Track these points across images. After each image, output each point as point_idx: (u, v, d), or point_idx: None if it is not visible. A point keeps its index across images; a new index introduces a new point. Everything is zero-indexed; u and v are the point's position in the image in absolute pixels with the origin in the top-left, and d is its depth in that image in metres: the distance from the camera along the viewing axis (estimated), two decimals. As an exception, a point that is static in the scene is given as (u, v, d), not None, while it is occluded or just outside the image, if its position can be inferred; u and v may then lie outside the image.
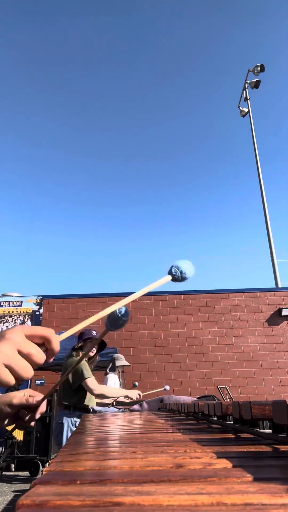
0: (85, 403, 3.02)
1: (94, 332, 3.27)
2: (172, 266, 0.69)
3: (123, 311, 0.71)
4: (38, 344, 0.54)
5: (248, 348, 7.73)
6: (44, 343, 0.55)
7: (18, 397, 0.77)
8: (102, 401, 3.24)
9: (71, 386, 2.97)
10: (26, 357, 0.51)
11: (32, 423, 0.78)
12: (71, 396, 2.99)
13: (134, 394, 3.36)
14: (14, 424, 0.78)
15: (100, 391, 2.95)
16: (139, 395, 3.40)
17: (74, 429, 2.54)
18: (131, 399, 3.35)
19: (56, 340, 0.57)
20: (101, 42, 26.26)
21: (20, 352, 0.51)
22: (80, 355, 3.04)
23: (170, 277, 0.70)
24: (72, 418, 2.98)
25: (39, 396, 0.78)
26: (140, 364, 7.51)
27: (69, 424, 2.97)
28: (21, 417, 0.77)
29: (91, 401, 3.08)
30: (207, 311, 8.05)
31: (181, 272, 0.69)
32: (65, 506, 0.28)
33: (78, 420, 2.83)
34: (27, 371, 0.50)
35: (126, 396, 3.34)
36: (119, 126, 26.93)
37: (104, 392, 3.02)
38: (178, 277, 0.69)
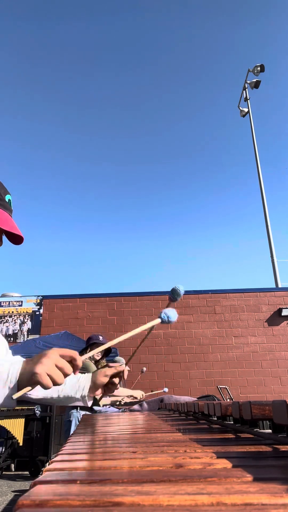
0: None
1: (100, 337, 3.46)
2: (161, 312, 0.94)
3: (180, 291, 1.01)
4: (68, 361, 0.78)
5: (248, 348, 7.73)
6: (71, 360, 0.79)
7: (109, 369, 1.11)
8: (113, 399, 3.43)
9: None
10: (60, 369, 0.75)
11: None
12: None
13: (138, 394, 3.55)
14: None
15: None
16: (143, 395, 3.59)
17: None
18: (136, 398, 3.53)
19: (80, 359, 0.81)
20: (100, 42, 26.27)
21: (56, 366, 0.74)
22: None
23: (159, 320, 0.94)
24: (79, 416, 3.11)
25: (120, 366, 1.13)
26: (140, 364, 7.50)
27: (77, 421, 3.09)
28: (112, 383, 1.12)
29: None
30: (207, 311, 8.05)
31: (168, 317, 0.94)
32: (65, 506, 0.28)
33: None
34: (61, 379, 0.75)
35: (130, 396, 3.49)
36: (119, 127, 26.94)
37: None
38: (165, 321, 0.94)
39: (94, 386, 1.08)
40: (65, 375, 0.75)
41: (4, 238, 1.03)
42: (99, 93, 25.95)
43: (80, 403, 1.09)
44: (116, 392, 3.42)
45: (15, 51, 25.78)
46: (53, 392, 1.03)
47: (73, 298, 8.18)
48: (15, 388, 0.74)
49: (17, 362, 0.78)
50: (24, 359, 0.81)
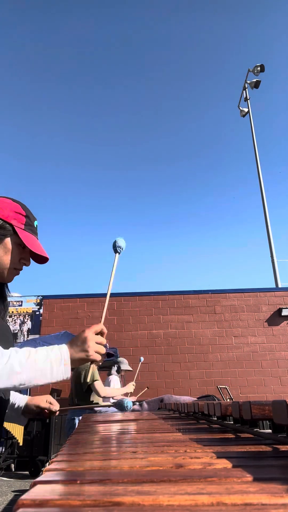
0: (92, 400, 3.33)
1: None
2: (116, 247, 1.11)
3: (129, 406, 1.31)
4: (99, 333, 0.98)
5: (248, 348, 7.73)
6: (101, 332, 0.99)
7: (43, 402, 1.33)
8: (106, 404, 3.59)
9: (82, 387, 3.31)
10: (100, 344, 0.95)
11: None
12: (83, 397, 3.33)
13: (130, 388, 3.82)
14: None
15: (105, 393, 3.32)
16: (133, 384, 3.93)
17: None
18: (131, 393, 3.82)
19: (105, 328, 1.00)
20: (100, 43, 26.25)
21: (96, 342, 0.94)
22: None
23: (117, 255, 1.11)
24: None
25: (56, 405, 1.35)
26: (140, 364, 7.51)
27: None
28: (43, 415, 1.34)
29: (94, 399, 3.38)
30: (207, 311, 8.05)
31: (121, 248, 1.12)
32: (65, 506, 0.28)
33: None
34: (104, 351, 0.96)
35: (125, 394, 3.71)
36: (118, 130, 26.92)
37: (108, 394, 3.39)
38: (120, 252, 1.11)
39: (26, 409, 1.33)
40: (105, 346, 0.97)
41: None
42: (98, 95, 25.95)
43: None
44: (114, 394, 3.57)
45: (19, 49, 25.78)
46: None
47: (73, 298, 8.17)
48: (68, 366, 0.90)
49: (63, 346, 0.93)
50: (65, 345, 0.94)
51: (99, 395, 3.31)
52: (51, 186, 27.20)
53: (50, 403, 1.35)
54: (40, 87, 26.08)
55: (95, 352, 0.94)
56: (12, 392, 1.27)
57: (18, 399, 1.33)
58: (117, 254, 1.12)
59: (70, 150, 26.44)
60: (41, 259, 1.14)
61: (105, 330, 1.00)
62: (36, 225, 1.16)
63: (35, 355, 0.88)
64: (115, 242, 1.12)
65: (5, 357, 0.85)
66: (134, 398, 4.24)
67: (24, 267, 1.13)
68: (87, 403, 3.28)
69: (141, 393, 4.95)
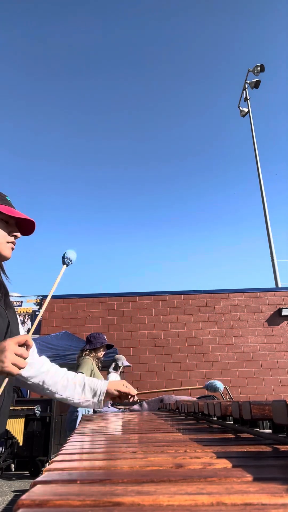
0: None
1: (105, 337, 3.75)
2: (64, 258, 1.15)
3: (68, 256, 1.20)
4: (21, 345, 0.93)
5: (248, 348, 7.73)
6: (25, 343, 0.94)
7: (122, 386, 1.37)
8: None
9: None
10: (20, 356, 0.90)
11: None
12: None
13: (133, 391, 3.76)
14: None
15: None
16: (137, 389, 3.80)
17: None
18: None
19: (30, 339, 0.95)
20: (100, 43, 26.25)
21: (16, 354, 0.90)
22: (88, 353, 3.56)
23: (65, 266, 1.15)
24: (85, 412, 3.21)
25: (133, 390, 1.42)
26: (140, 364, 7.51)
27: (83, 412, 3.22)
28: (120, 398, 1.38)
29: None
30: (207, 311, 8.05)
31: (70, 260, 1.14)
32: (65, 506, 0.28)
33: (91, 411, 3.13)
34: (24, 364, 0.91)
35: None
36: (118, 129, 26.92)
37: None
38: (68, 264, 1.15)
39: (106, 394, 1.32)
40: (24, 358, 0.92)
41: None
42: (99, 95, 25.94)
43: (90, 406, 1.29)
44: None
45: (20, 50, 25.77)
46: (74, 395, 1.27)
47: (73, 298, 8.18)
48: None
49: None
50: None
51: None
52: (52, 184, 27.22)
53: (127, 387, 1.38)
54: (40, 84, 26.08)
55: (12, 364, 0.88)
56: (91, 379, 1.33)
57: (99, 386, 1.32)
58: (65, 266, 1.15)
59: (69, 148, 26.43)
60: (28, 227, 1.14)
61: (31, 343, 0.96)
62: (9, 200, 1.15)
63: None
64: (64, 254, 1.15)
65: None
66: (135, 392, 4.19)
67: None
68: None
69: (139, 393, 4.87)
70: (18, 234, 1.12)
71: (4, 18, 23.52)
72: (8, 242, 1.10)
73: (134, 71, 27.06)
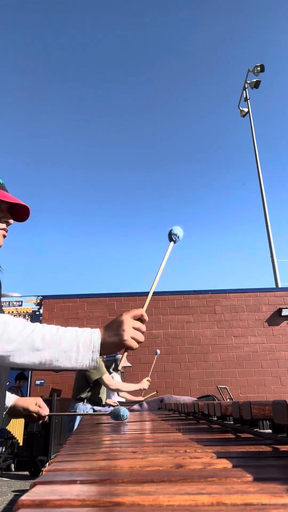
0: (99, 396, 3.30)
1: None
2: (171, 234, 1.04)
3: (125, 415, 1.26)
4: (138, 319, 0.89)
5: (248, 348, 7.72)
6: (140, 318, 0.89)
7: (33, 405, 1.24)
8: (125, 398, 3.86)
9: (88, 380, 3.24)
10: (138, 329, 0.85)
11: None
12: (84, 390, 3.28)
13: (145, 384, 3.80)
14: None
15: (115, 386, 3.29)
16: (148, 380, 3.91)
17: None
18: (145, 389, 3.81)
19: (145, 313, 0.91)
20: (100, 43, 26.24)
21: (134, 328, 0.85)
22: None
23: (172, 243, 1.04)
24: (85, 408, 3.20)
25: (46, 410, 1.28)
26: (140, 364, 7.50)
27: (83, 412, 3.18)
28: (30, 418, 1.26)
29: (103, 396, 3.36)
30: (207, 311, 8.05)
31: (177, 237, 1.04)
32: (65, 506, 0.28)
33: (91, 411, 3.14)
34: (142, 338, 0.85)
35: (139, 389, 3.74)
36: (118, 132, 26.92)
37: (120, 387, 3.39)
38: (176, 240, 1.04)
39: (12, 412, 1.24)
40: (142, 333, 0.87)
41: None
42: (98, 97, 25.95)
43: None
44: (124, 395, 3.54)
45: (19, 51, 25.80)
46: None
47: (73, 298, 8.17)
48: (97, 353, 0.80)
49: (96, 331, 0.84)
50: (99, 329, 0.85)
51: (109, 388, 3.24)
52: (52, 187, 27.22)
53: (39, 407, 1.25)
54: (40, 86, 26.09)
55: (131, 338, 0.83)
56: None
57: (5, 399, 1.22)
58: (172, 242, 1.05)
59: (71, 151, 26.45)
60: (21, 212, 1.04)
61: (146, 317, 0.90)
62: (2, 182, 1.06)
63: (63, 334, 0.80)
64: (171, 230, 1.05)
65: (28, 329, 0.78)
66: (142, 399, 4.20)
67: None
68: (91, 397, 3.24)
69: (149, 395, 4.76)
70: (11, 220, 1.02)
71: (5, 20, 23.54)
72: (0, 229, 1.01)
73: (133, 71, 27.06)
